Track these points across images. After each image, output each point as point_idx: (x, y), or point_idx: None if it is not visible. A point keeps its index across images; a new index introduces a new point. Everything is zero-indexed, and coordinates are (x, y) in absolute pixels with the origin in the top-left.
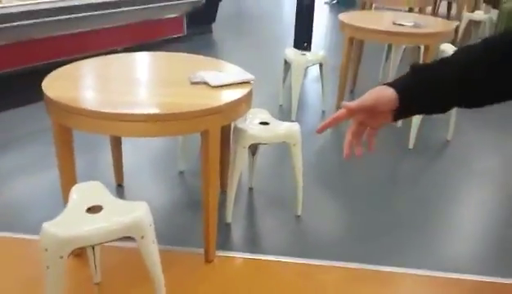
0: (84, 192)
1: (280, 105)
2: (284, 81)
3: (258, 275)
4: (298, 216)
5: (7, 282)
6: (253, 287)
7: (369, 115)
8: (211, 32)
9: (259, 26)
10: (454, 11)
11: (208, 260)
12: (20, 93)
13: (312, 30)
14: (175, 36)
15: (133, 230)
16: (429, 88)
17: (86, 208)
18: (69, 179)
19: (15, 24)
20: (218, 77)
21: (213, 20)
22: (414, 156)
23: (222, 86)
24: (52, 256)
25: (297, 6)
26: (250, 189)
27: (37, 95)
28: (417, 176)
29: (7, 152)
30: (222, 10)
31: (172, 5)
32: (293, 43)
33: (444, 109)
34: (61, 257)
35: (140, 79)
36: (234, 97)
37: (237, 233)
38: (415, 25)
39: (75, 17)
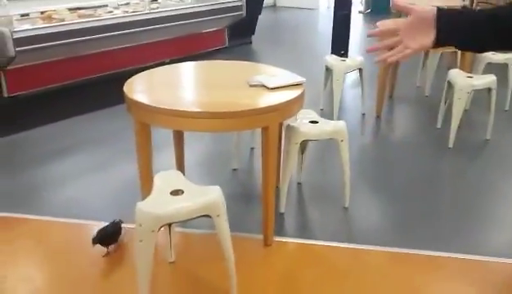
0: (166, 179)
1: (321, 109)
2: (325, 86)
3: (311, 258)
4: (346, 208)
5: (82, 258)
6: (307, 268)
7: (409, 31)
8: (251, 43)
9: (296, 36)
10: None
11: (266, 244)
12: (93, 98)
13: (348, 38)
14: (218, 47)
15: (211, 209)
16: (468, 20)
17: (169, 192)
18: (147, 169)
19: (81, 38)
20: (274, 80)
21: (253, 31)
22: (454, 154)
23: (278, 87)
24: (145, 231)
25: (334, 16)
26: (299, 183)
27: (111, 99)
28: (457, 172)
29: (87, 149)
30: (260, 22)
31: (215, 19)
32: (330, 51)
33: (481, 44)
34: (153, 231)
35: (203, 83)
36: (290, 97)
37: (290, 221)
38: None
39: (130, 32)
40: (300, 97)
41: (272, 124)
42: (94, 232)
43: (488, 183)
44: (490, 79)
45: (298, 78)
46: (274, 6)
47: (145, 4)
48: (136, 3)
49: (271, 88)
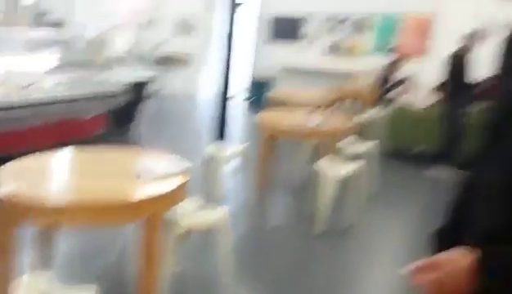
0: (32, 285)
1: (203, 196)
2: (206, 173)
3: None
4: None
5: None
6: None
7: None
8: (130, 130)
9: (178, 123)
10: (357, 108)
11: None
12: None
13: (224, 126)
14: (97, 133)
15: None
16: None
17: None
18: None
19: None
20: (156, 169)
21: (133, 119)
22: (321, 240)
23: (160, 178)
24: None
25: (216, 104)
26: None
27: None
28: (326, 257)
29: None
30: (143, 109)
31: (93, 105)
32: (211, 138)
33: None
34: None
35: (81, 172)
36: (172, 187)
37: None
38: (319, 124)
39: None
40: (183, 186)
41: (157, 213)
42: None
43: (352, 269)
44: (355, 166)
45: (182, 165)
46: (157, 94)
47: (16, 88)
48: (8, 86)
49: (154, 179)
